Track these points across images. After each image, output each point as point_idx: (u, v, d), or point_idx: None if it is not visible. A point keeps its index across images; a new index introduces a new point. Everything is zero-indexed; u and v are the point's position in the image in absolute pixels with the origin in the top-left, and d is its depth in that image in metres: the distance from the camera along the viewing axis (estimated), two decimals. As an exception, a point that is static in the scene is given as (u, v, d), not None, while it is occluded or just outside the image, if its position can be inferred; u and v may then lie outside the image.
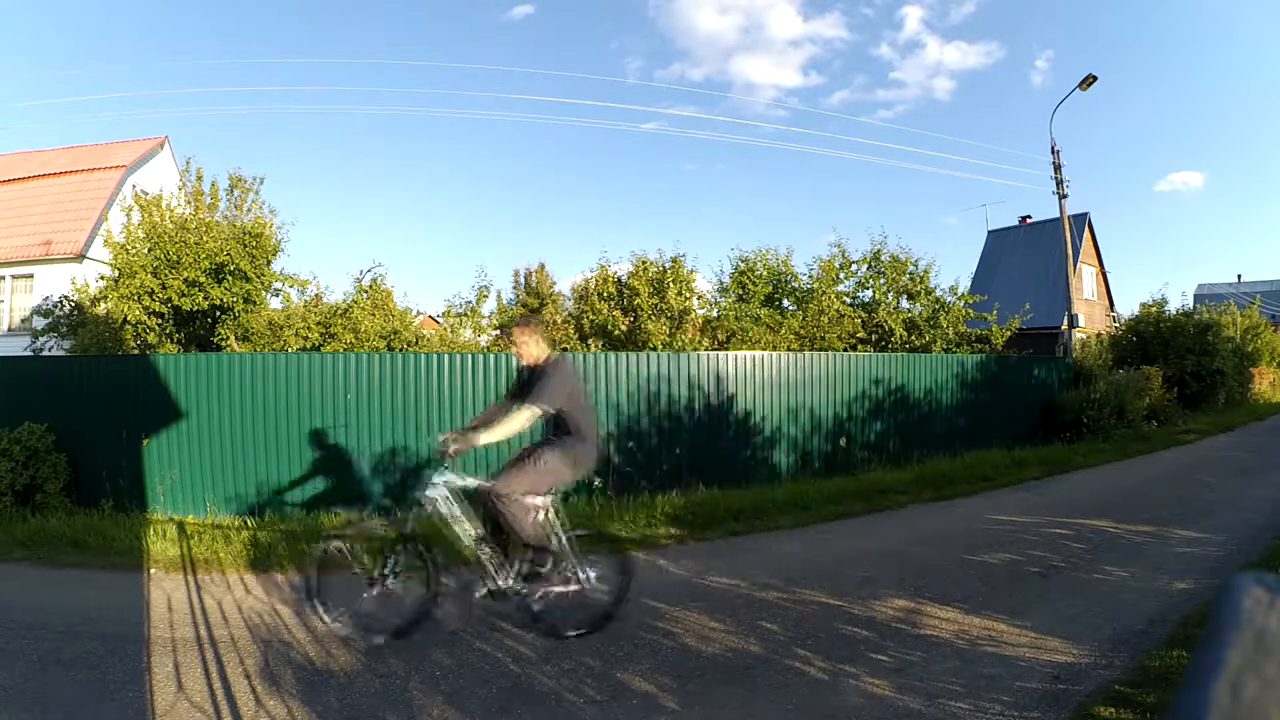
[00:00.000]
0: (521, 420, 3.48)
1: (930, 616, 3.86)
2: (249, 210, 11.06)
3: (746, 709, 2.89)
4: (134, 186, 11.29)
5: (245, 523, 6.36)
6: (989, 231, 28.66)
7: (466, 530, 3.63)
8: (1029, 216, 27.33)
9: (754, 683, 3.13)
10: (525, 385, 3.75)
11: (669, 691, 3.04)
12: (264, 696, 3.03)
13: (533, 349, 3.78)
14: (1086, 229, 24.91)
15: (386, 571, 3.61)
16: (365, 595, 3.60)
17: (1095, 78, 14.06)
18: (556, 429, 3.69)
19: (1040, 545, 5.28)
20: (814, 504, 6.80)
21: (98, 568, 5.06)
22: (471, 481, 3.66)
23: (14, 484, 6.29)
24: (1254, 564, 4.72)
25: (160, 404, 6.86)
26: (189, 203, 10.90)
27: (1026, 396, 11.55)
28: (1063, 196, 14.51)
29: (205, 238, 10.07)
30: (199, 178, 11.09)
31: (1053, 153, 14.48)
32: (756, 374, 8.31)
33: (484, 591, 3.61)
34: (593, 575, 3.69)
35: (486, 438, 3.49)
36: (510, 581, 3.58)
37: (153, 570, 4.98)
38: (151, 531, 5.80)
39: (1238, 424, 14.80)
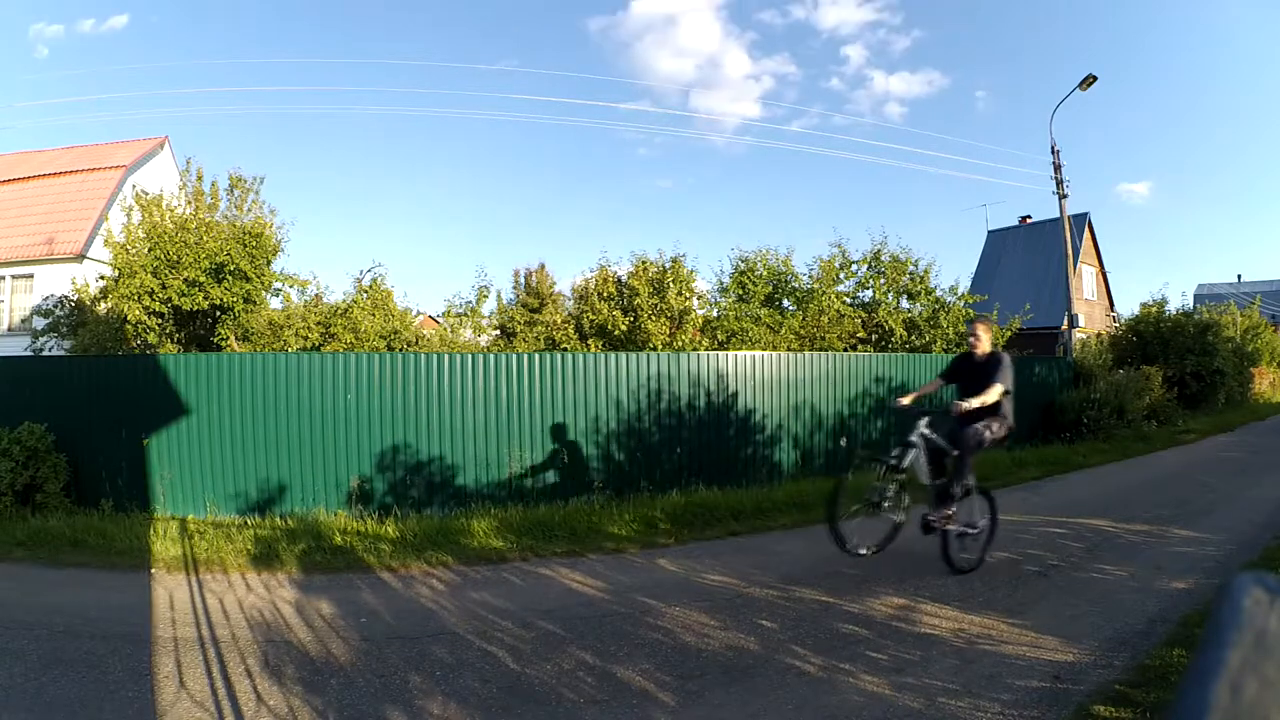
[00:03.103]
0: (998, 392, 4.40)
1: (929, 616, 3.86)
2: (249, 210, 11.05)
3: (746, 708, 2.89)
4: (134, 186, 11.27)
5: (246, 521, 6.37)
6: (989, 231, 28.70)
7: (925, 472, 4.61)
8: (1029, 216, 27.35)
9: (753, 682, 3.13)
10: (963, 369, 4.83)
11: (669, 690, 3.04)
12: (265, 695, 3.03)
13: (986, 342, 4.73)
14: (1086, 229, 24.92)
15: (885, 498, 4.63)
16: (867, 517, 4.63)
17: (1095, 78, 14.07)
18: (998, 406, 4.50)
19: (1040, 545, 5.28)
20: (814, 503, 6.78)
21: (98, 567, 5.06)
22: (942, 441, 4.62)
23: (14, 484, 6.29)
24: (1254, 564, 4.72)
25: (160, 404, 6.86)
26: (189, 203, 10.89)
27: (1027, 396, 11.53)
28: (1063, 196, 14.52)
29: (205, 238, 10.06)
30: (199, 178, 11.09)
31: (1053, 153, 14.49)
32: (757, 373, 8.31)
33: (932, 517, 4.55)
34: (982, 521, 4.70)
35: (979, 400, 4.36)
36: (938, 520, 4.51)
37: (154, 569, 4.99)
38: (152, 530, 5.81)
39: (1238, 424, 14.80)
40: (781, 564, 5.00)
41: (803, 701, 2.92)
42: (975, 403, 4.36)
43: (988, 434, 4.51)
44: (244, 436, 6.89)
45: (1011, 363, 4.61)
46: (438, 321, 12.59)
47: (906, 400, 4.82)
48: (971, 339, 4.77)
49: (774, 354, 8.81)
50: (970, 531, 4.64)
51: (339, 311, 9.94)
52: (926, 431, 4.63)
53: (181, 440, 6.87)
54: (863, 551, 4.70)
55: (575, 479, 7.36)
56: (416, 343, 10.45)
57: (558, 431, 7.37)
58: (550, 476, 7.34)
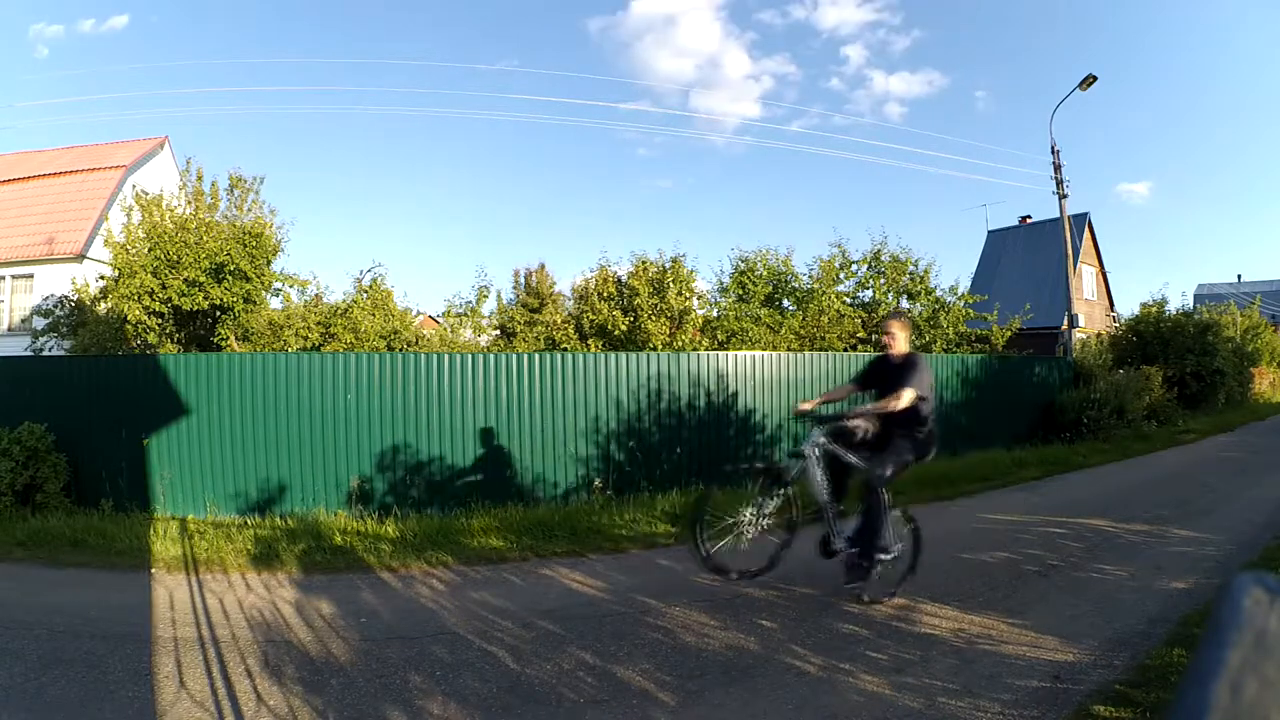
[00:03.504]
0: (907, 398, 3.85)
1: (929, 615, 3.86)
2: (249, 210, 11.04)
3: (746, 708, 2.89)
4: (134, 186, 11.27)
5: (246, 521, 6.37)
6: (989, 231, 28.69)
7: (822, 487, 4.08)
8: (1029, 216, 27.35)
9: (753, 681, 3.13)
10: (879, 373, 4.27)
11: (669, 690, 3.04)
12: (265, 694, 3.03)
13: (902, 342, 4.20)
14: (1086, 229, 24.91)
15: (763, 514, 4.13)
16: (739, 539, 4.14)
17: (1095, 77, 14.07)
18: (913, 415, 3.97)
19: (1040, 545, 5.28)
20: (814, 503, 6.79)
21: (98, 567, 5.06)
22: (851, 457, 4.07)
23: (14, 484, 6.29)
24: (1254, 564, 4.72)
25: (160, 404, 6.86)
26: (189, 203, 10.89)
27: (1027, 396, 11.56)
28: (1063, 196, 14.51)
29: (205, 237, 10.06)
30: (199, 178, 11.08)
31: (1053, 153, 14.49)
32: (757, 373, 8.31)
33: (823, 547, 4.12)
34: (901, 546, 4.08)
35: (878, 408, 3.92)
36: (840, 543, 4.04)
37: (154, 569, 4.99)
38: (152, 530, 5.81)
39: (1238, 424, 14.80)
40: (781, 564, 4.99)
41: (803, 701, 2.92)
42: (871, 409, 3.97)
43: (900, 455, 3.96)
44: (244, 436, 6.89)
45: (928, 365, 4.17)
46: (438, 321, 12.59)
47: (808, 405, 4.24)
48: (886, 338, 4.24)
49: (774, 354, 8.82)
50: (883, 557, 4.01)
51: (339, 311, 9.94)
52: (823, 441, 4.11)
53: (181, 440, 6.87)
54: (734, 575, 4.21)
55: (575, 479, 7.36)
56: (416, 343, 10.45)
57: (557, 431, 7.37)
58: (550, 476, 7.34)
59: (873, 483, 3.92)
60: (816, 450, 4.10)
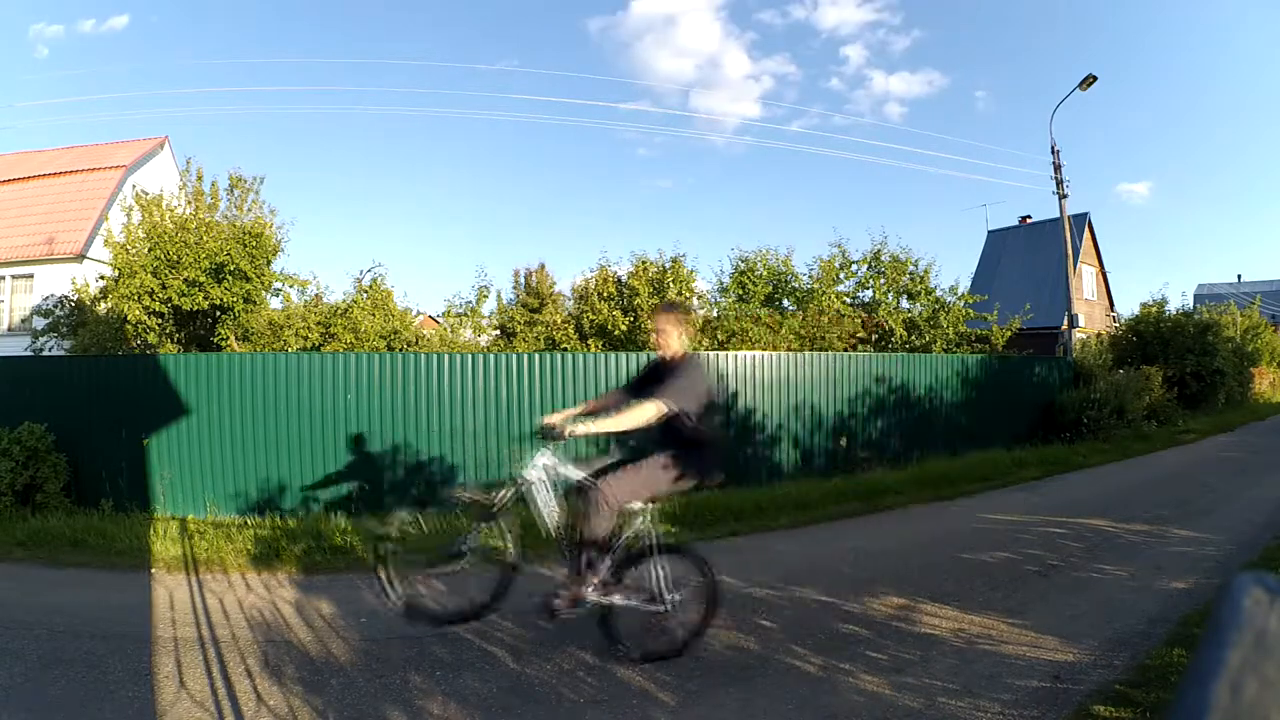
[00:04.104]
0: (644, 413, 3.10)
1: (929, 615, 3.86)
2: (249, 210, 11.06)
3: (746, 708, 2.89)
4: (134, 186, 11.28)
5: (246, 521, 6.37)
6: (989, 231, 28.70)
7: (554, 518, 3.33)
8: (1029, 216, 27.36)
9: (753, 682, 3.13)
10: (652, 378, 3.40)
11: (669, 690, 3.04)
12: (265, 694, 3.03)
13: (674, 341, 3.41)
14: (1086, 229, 24.91)
15: (462, 549, 3.32)
16: (434, 575, 3.40)
17: (1095, 78, 14.07)
18: (673, 433, 3.24)
19: (1040, 545, 5.28)
20: (814, 503, 6.80)
21: (98, 567, 5.06)
22: (575, 472, 3.31)
23: (14, 484, 6.29)
24: (1254, 564, 4.72)
25: (160, 404, 6.86)
26: (189, 203, 10.90)
27: (1027, 396, 11.56)
28: (1063, 196, 14.51)
29: (205, 238, 10.07)
30: (199, 178, 11.10)
31: (1053, 153, 14.49)
32: (757, 373, 8.31)
33: (560, 594, 3.21)
34: (676, 597, 3.29)
35: (605, 426, 3.15)
36: (589, 590, 3.18)
37: (154, 569, 4.99)
38: (152, 530, 5.80)
39: (1238, 424, 14.80)
40: (781, 564, 4.99)
41: (803, 701, 2.92)
42: (595, 428, 3.17)
43: (645, 475, 3.18)
44: (244, 436, 6.89)
45: (702, 370, 3.37)
46: (438, 321, 12.59)
47: (555, 419, 3.37)
48: (655, 335, 3.47)
49: (774, 354, 8.81)
50: (654, 609, 3.26)
51: (339, 311, 9.94)
52: (551, 463, 3.37)
53: (181, 440, 6.87)
54: (432, 621, 3.42)
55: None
56: (416, 343, 10.45)
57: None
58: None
59: (591, 501, 3.13)
60: (542, 474, 3.36)
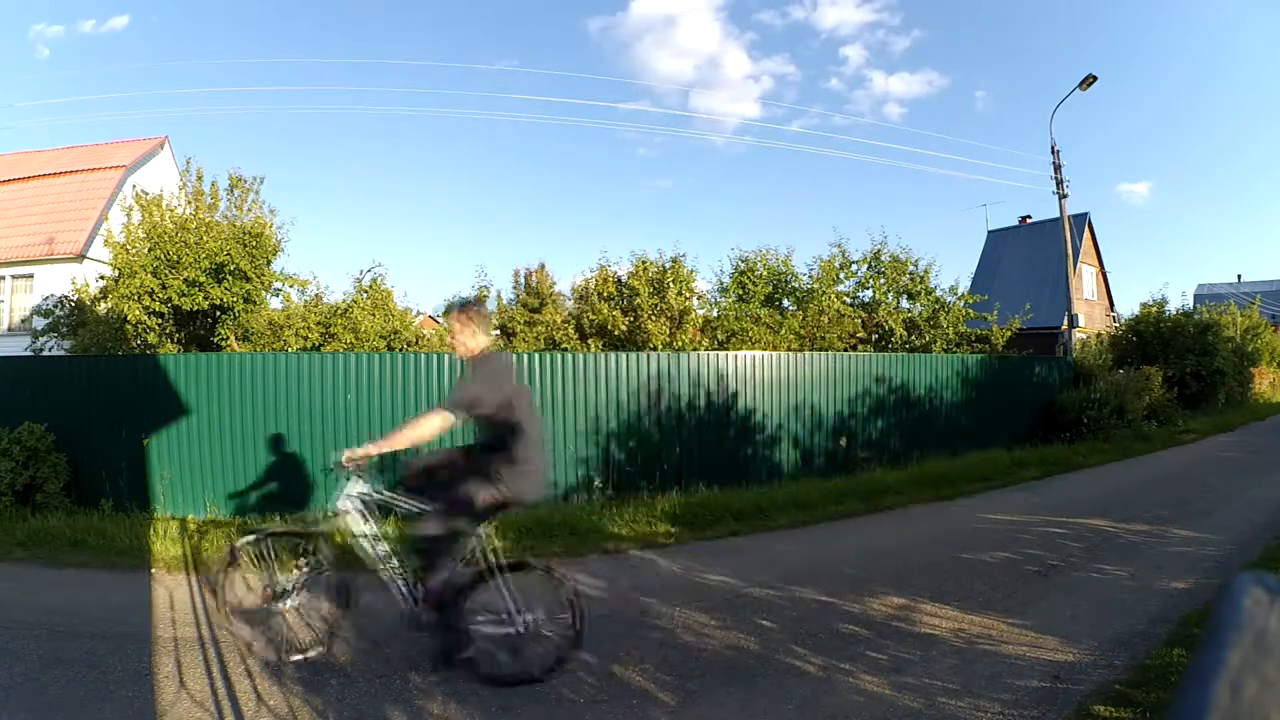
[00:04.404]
0: (427, 426, 2.86)
1: (929, 615, 3.86)
2: (249, 210, 11.05)
3: (746, 708, 2.89)
4: (134, 186, 11.27)
5: (246, 521, 6.37)
6: (989, 231, 28.69)
7: (380, 549, 3.15)
8: (1029, 216, 27.36)
9: (753, 682, 3.13)
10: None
11: (669, 690, 3.04)
12: (265, 695, 3.03)
13: (466, 340, 3.06)
14: (1086, 229, 24.91)
15: (298, 584, 3.27)
16: (270, 606, 3.30)
17: (1095, 77, 14.08)
18: (494, 443, 3.05)
19: (1040, 545, 5.28)
20: (815, 503, 6.80)
21: (98, 567, 5.06)
22: (399, 499, 3.20)
23: (14, 484, 6.29)
24: (1254, 564, 4.72)
25: (160, 404, 6.86)
26: (189, 202, 10.89)
27: (1027, 396, 11.56)
28: (1063, 196, 14.52)
29: (205, 238, 10.06)
30: (199, 178, 11.09)
31: (1053, 153, 14.49)
32: (757, 373, 8.31)
33: (407, 620, 3.10)
34: (531, 617, 3.06)
35: (390, 444, 2.96)
36: (430, 615, 3.03)
37: (154, 569, 4.99)
38: (152, 530, 5.81)
39: (1238, 424, 14.81)
40: (781, 564, 5.00)
41: (803, 701, 2.92)
42: (376, 449, 2.99)
43: (460, 496, 2.95)
44: (244, 436, 6.88)
45: (502, 372, 3.11)
46: (438, 321, 12.60)
47: (359, 453, 3.07)
48: (450, 338, 3.19)
49: (774, 354, 8.81)
50: (505, 631, 3.06)
51: (339, 311, 9.94)
52: (362, 491, 3.20)
53: (181, 440, 6.87)
54: (282, 657, 3.25)
55: (575, 478, 7.36)
56: (416, 343, 10.45)
57: (557, 431, 7.37)
58: (550, 476, 7.33)
59: (418, 525, 2.99)
60: (358, 503, 3.19)
